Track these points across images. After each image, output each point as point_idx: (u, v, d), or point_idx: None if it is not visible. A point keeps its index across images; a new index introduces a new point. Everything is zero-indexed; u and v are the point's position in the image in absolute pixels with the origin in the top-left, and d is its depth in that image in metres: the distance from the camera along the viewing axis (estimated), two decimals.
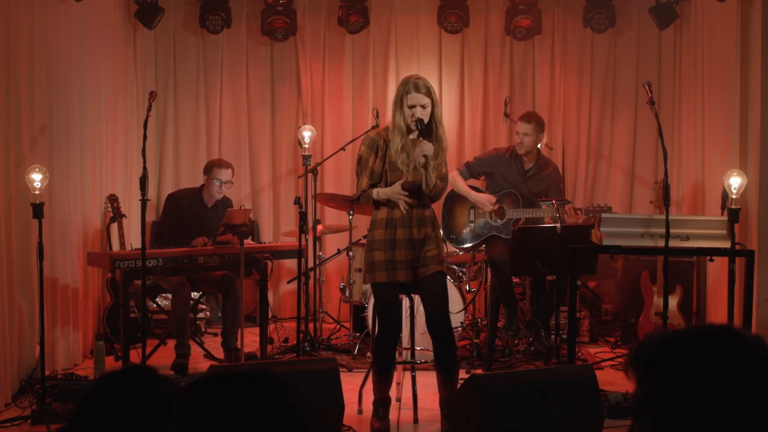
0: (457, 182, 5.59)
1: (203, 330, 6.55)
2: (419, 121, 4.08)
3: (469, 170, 5.66)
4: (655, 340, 1.42)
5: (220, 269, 5.55)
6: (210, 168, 5.75)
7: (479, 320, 5.89)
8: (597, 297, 6.65)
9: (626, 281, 6.30)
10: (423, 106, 4.09)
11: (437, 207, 4.78)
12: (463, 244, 5.67)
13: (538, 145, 6.27)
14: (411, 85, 4.10)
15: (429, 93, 4.11)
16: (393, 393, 4.36)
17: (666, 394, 1.36)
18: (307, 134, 5.94)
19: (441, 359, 4.21)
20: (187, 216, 5.68)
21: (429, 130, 4.15)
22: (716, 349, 1.36)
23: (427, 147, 4.06)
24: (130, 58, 6.84)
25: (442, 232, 5.52)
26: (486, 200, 5.54)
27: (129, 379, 1.70)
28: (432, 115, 4.13)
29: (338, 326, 6.61)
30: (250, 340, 6.03)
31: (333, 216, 7.07)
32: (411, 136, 4.15)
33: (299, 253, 5.17)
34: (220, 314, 6.17)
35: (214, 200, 5.77)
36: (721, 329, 1.40)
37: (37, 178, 4.40)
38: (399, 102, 4.13)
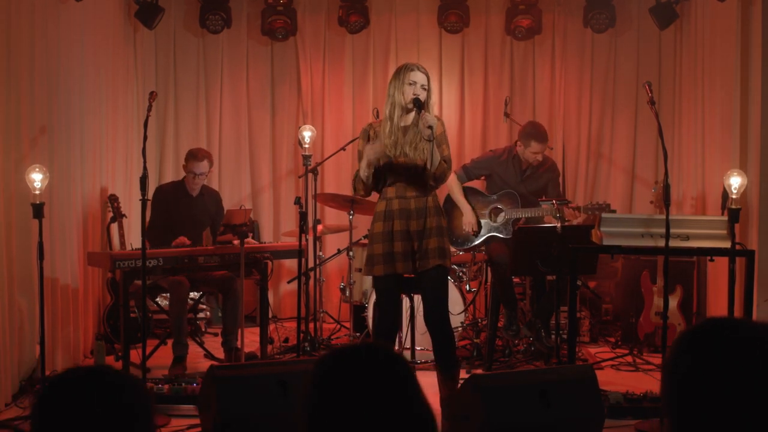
0: (453, 188, 5.60)
1: (203, 330, 6.55)
2: (416, 100, 4.07)
3: (467, 173, 5.69)
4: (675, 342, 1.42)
5: (221, 269, 5.55)
6: (186, 159, 5.73)
7: (479, 320, 5.88)
8: (597, 297, 6.65)
9: (626, 281, 6.30)
10: (423, 87, 4.10)
11: None
12: (463, 245, 5.67)
13: None
14: (413, 65, 4.14)
15: (428, 78, 4.14)
16: None
17: (685, 395, 1.36)
18: (307, 134, 5.94)
19: (440, 356, 4.19)
20: (174, 207, 5.69)
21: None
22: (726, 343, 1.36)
23: (431, 118, 4.02)
24: (130, 58, 6.84)
25: None
26: (469, 224, 5.54)
27: (86, 383, 1.56)
28: (426, 100, 4.13)
29: (338, 326, 6.61)
30: (250, 340, 6.02)
31: (333, 216, 7.07)
32: (403, 123, 4.15)
33: (299, 253, 5.16)
34: (220, 314, 6.16)
35: (198, 189, 5.78)
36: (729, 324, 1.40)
37: (37, 178, 4.40)
38: (400, 80, 4.10)
